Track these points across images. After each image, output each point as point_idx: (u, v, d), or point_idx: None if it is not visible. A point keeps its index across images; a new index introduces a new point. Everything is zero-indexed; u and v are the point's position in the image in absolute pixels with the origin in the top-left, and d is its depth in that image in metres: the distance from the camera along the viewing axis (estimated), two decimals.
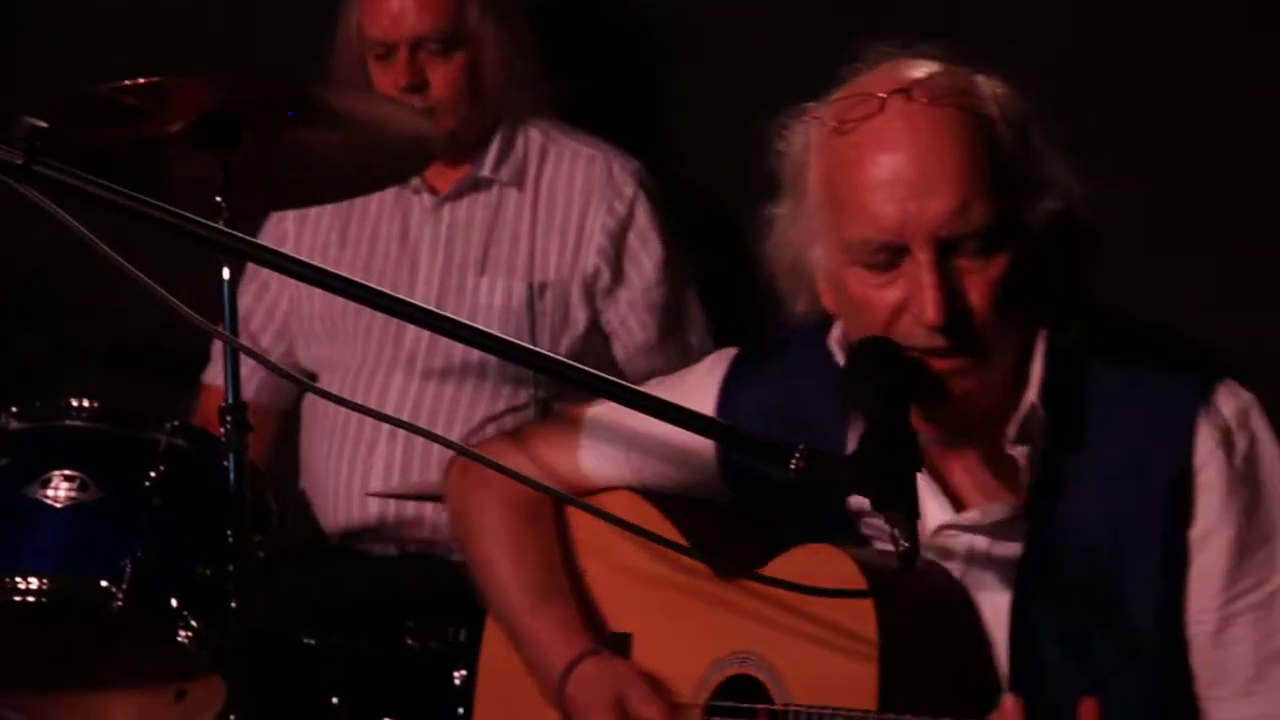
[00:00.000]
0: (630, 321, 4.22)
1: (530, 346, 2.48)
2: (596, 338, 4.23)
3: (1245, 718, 2.55)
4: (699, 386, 2.79)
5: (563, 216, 4.20)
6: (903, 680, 2.53)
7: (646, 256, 4.22)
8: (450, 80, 4.15)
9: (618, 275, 4.20)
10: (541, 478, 2.85)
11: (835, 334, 2.70)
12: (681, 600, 2.82)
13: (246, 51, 4.58)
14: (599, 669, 2.80)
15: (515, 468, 2.81)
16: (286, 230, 4.29)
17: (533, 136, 4.25)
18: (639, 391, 2.52)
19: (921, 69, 2.56)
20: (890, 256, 2.52)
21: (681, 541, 2.80)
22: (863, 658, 2.55)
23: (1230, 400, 2.57)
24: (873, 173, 2.51)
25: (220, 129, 3.48)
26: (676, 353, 4.17)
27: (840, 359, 2.66)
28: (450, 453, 3.32)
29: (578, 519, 2.97)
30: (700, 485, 2.86)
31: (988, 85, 2.57)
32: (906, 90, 2.52)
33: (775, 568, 2.66)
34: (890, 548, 2.54)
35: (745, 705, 2.69)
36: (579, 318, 4.18)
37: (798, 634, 2.64)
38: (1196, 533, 2.55)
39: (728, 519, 2.84)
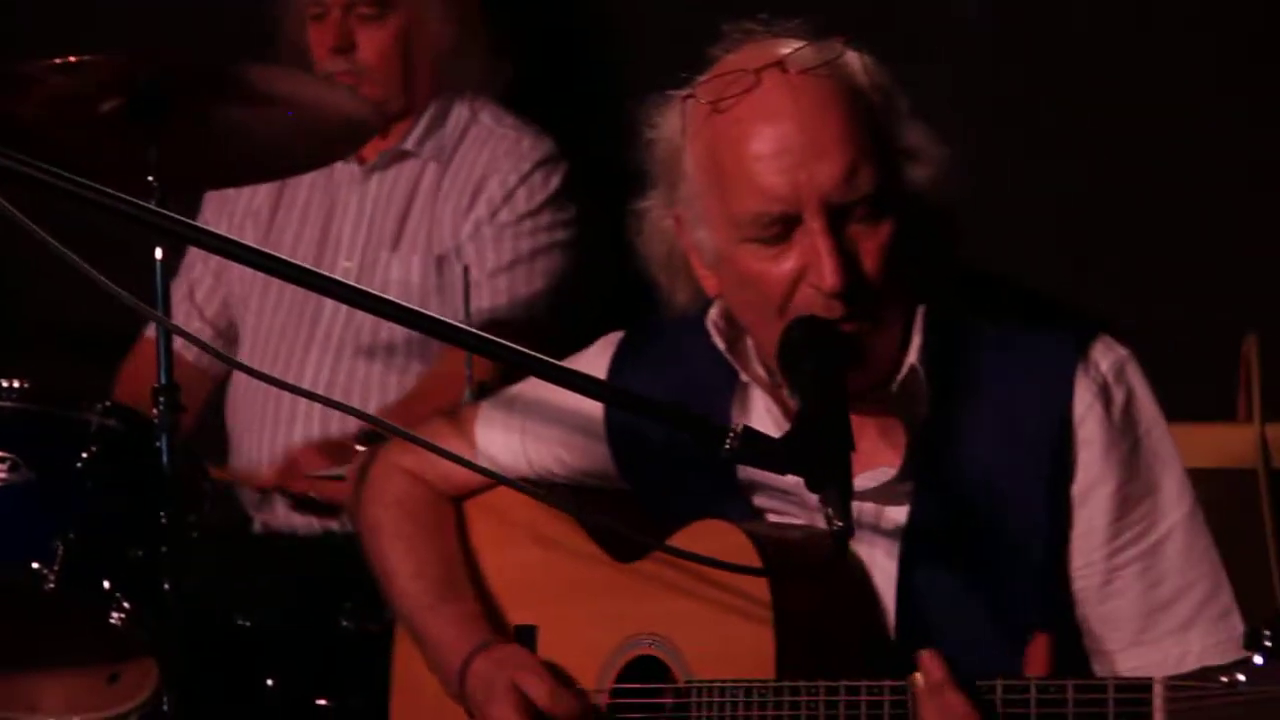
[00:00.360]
0: (484, 251, 4.22)
1: (439, 318, 2.49)
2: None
3: (1134, 668, 2.64)
4: (587, 372, 2.78)
5: (459, 190, 4.26)
6: (799, 649, 2.64)
7: (513, 209, 4.25)
8: (379, 46, 4.23)
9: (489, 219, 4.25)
10: (447, 468, 2.93)
11: (713, 315, 2.79)
12: (584, 589, 2.91)
13: (178, 29, 4.68)
14: (493, 661, 2.87)
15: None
16: (226, 192, 4.39)
17: (462, 114, 4.33)
18: (560, 366, 2.57)
19: (789, 44, 2.66)
20: (782, 229, 2.61)
21: (583, 530, 2.89)
22: (759, 630, 2.65)
23: (1106, 355, 2.68)
24: (758, 145, 2.60)
25: (151, 108, 3.55)
26: (504, 293, 4.20)
27: (718, 341, 2.76)
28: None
29: (479, 516, 3.06)
30: (591, 469, 2.95)
31: (854, 57, 2.67)
32: (780, 64, 2.62)
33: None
34: (778, 519, 2.70)
35: (650, 686, 2.79)
36: None
37: (696, 611, 2.74)
38: (1078, 487, 2.65)
39: (622, 506, 2.92)
